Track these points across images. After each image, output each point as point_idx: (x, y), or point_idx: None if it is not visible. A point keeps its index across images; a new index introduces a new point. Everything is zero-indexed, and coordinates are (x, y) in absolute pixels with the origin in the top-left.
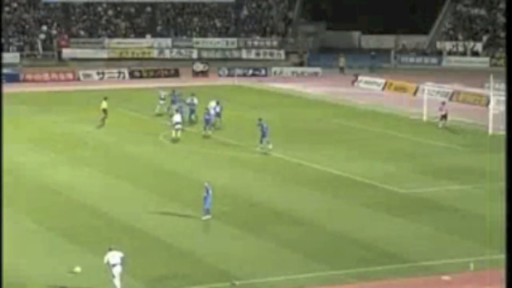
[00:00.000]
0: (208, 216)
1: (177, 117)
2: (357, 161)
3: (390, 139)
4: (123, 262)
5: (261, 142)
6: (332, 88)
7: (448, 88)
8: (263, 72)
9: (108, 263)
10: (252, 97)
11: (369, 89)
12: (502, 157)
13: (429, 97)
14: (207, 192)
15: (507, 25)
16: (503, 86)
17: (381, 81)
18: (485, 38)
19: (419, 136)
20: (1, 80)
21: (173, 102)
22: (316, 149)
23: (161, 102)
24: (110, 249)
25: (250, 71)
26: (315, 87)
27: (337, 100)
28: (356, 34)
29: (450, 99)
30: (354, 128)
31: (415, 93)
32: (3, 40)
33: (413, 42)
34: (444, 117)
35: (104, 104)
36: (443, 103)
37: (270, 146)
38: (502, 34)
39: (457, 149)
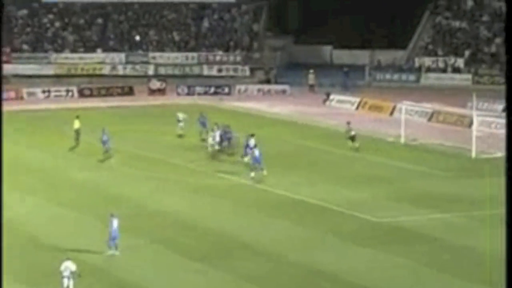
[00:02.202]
0: (114, 252)
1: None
2: (327, 185)
3: (364, 162)
4: (74, 276)
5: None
6: (301, 107)
7: (428, 107)
8: (226, 90)
9: (61, 272)
10: (214, 117)
11: (342, 109)
12: (486, 182)
13: (407, 117)
14: (112, 224)
15: (506, 26)
16: (487, 105)
17: (355, 100)
18: (467, 53)
19: (396, 159)
20: (1, 80)
21: (202, 124)
22: (282, 173)
23: (180, 124)
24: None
25: (212, 89)
26: (282, 106)
27: (306, 121)
28: (327, 48)
29: (430, 119)
30: (324, 151)
31: (391, 113)
32: None
33: (390, 58)
34: (352, 138)
35: (76, 124)
36: (348, 123)
37: (265, 172)
38: (486, 49)
39: (438, 174)
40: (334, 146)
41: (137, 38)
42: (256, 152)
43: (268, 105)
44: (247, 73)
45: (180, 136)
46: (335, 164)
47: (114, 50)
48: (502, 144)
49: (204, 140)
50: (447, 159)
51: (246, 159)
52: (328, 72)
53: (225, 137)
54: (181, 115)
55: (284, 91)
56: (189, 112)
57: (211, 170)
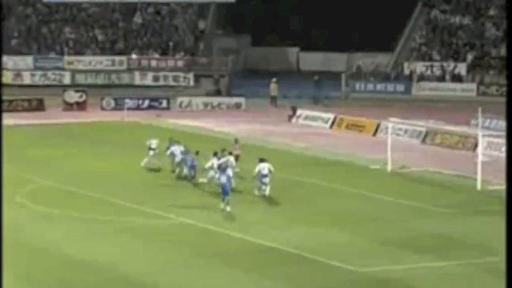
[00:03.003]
0: None
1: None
2: (294, 227)
3: (341, 196)
4: None
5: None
6: (261, 126)
7: (421, 125)
8: (164, 103)
9: None
10: (146, 139)
11: (312, 128)
12: (495, 222)
13: (394, 138)
14: None
15: (507, 27)
16: (495, 123)
17: (329, 116)
18: (470, 56)
19: (381, 192)
20: (1, 81)
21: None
22: (239, 211)
23: (151, 153)
24: None
25: (146, 103)
26: (236, 124)
27: (267, 143)
28: (293, 51)
29: (424, 141)
30: (290, 182)
31: (375, 132)
32: None
33: (372, 63)
34: (236, 158)
35: None
36: (236, 141)
37: (228, 209)
38: (493, 51)
39: (433, 210)
40: (303, 175)
41: (133, 56)
42: (224, 179)
43: (218, 124)
44: (191, 82)
45: (155, 170)
46: (306, 198)
47: (18, 53)
48: None
49: (173, 171)
50: (445, 191)
51: (259, 191)
52: (295, 80)
53: (192, 164)
54: (154, 142)
55: (238, 105)
56: (123, 131)
57: (143, 207)
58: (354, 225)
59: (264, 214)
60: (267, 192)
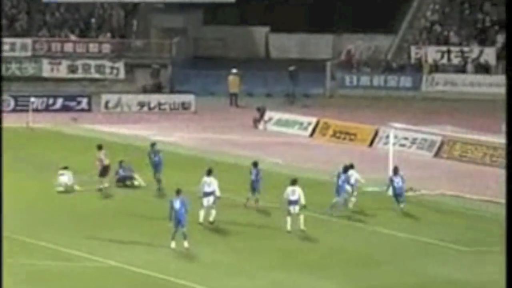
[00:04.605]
0: None
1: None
2: (265, 271)
3: (327, 229)
4: None
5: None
6: (216, 134)
7: (434, 133)
8: (83, 103)
9: None
10: (59, 153)
11: (287, 136)
12: None
13: (398, 150)
14: None
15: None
16: None
17: (309, 120)
18: (501, 39)
19: (380, 223)
20: (1, 81)
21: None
22: (193, 249)
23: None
24: None
25: (59, 102)
26: (183, 132)
27: (225, 157)
28: (260, 32)
29: (437, 154)
30: (261, 209)
31: (371, 142)
32: None
33: (368, 48)
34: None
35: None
36: (100, 147)
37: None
38: None
39: (450, 248)
40: (277, 201)
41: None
42: (177, 205)
43: (158, 131)
44: (121, 74)
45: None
46: (281, 232)
47: None
48: None
49: (159, 189)
50: (467, 223)
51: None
52: (263, 72)
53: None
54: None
55: (185, 106)
56: (28, 143)
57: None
58: (343, 268)
59: (227, 253)
60: (288, 227)
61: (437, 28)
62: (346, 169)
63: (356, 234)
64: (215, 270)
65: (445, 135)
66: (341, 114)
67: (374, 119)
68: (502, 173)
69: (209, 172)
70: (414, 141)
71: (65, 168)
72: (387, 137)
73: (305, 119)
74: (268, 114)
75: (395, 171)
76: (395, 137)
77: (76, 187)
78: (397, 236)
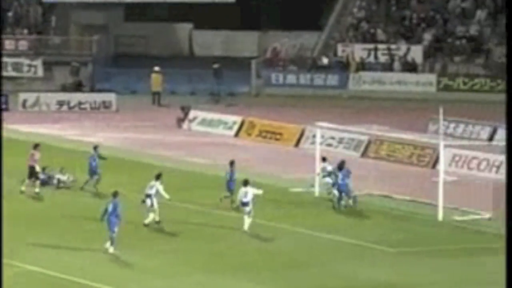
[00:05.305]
0: None
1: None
2: (188, 274)
3: (253, 231)
4: None
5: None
6: (139, 134)
7: (361, 133)
8: None
9: None
10: None
11: (212, 136)
12: (462, 264)
13: (325, 150)
14: None
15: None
16: (463, 129)
17: (234, 119)
18: (428, 37)
19: (306, 225)
20: (1, 81)
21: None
22: (119, 251)
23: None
24: None
25: None
26: (104, 132)
27: (148, 158)
28: (184, 28)
29: (364, 153)
30: (186, 212)
31: (298, 142)
32: None
33: (294, 46)
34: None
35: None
36: (36, 146)
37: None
38: (460, 29)
39: (378, 250)
40: (203, 204)
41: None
42: (110, 207)
43: (79, 131)
44: (39, 71)
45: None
46: (205, 234)
47: None
48: (488, 195)
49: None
50: (395, 223)
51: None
52: (186, 70)
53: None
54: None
55: (107, 105)
56: None
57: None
58: (270, 270)
59: (151, 256)
60: (246, 227)
61: (364, 25)
62: (341, 166)
63: (283, 236)
64: (135, 273)
65: (372, 135)
66: (267, 113)
67: (301, 118)
68: (429, 172)
69: (158, 177)
70: (341, 140)
71: None
72: (314, 136)
73: (230, 118)
74: (192, 113)
75: (340, 166)
76: (322, 136)
77: None
78: (324, 238)
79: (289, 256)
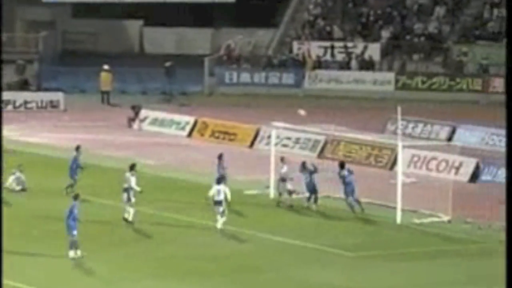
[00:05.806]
0: None
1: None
2: (134, 279)
3: (204, 234)
4: None
5: None
6: (88, 134)
7: (317, 133)
8: None
9: None
10: None
11: (163, 136)
12: (421, 268)
13: (280, 150)
14: None
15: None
16: (422, 129)
17: (187, 119)
18: (385, 34)
19: (260, 228)
20: (0, 81)
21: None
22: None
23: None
24: None
25: None
26: (51, 132)
27: (97, 159)
28: (134, 25)
29: (321, 153)
30: (136, 215)
31: (252, 143)
32: None
33: (248, 43)
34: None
35: None
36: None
37: None
38: (418, 26)
39: (335, 254)
40: (154, 206)
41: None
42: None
43: (25, 132)
44: None
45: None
46: (154, 238)
47: None
48: (447, 197)
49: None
50: (352, 226)
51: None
52: (137, 68)
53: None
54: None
55: (54, 104)
56: None
57: None
58: (224, 275)
59: (104, 262)
60: (219, 225)
61: (320, 22)
62: (342, 165)
63: (237, 240)
64: (83, 279)
65: (328, 135)
66: (221, 113)
67: (255, 118)
68: (387, 174)
69: (132, 168)
70: (297, 141)
71: None
72: (269, 137)
73: (182, 118)
74: (143, 113)
75: (342, 165)
76: (277, 137)
77: None
78: (279, 241)
79: (242, 260)
